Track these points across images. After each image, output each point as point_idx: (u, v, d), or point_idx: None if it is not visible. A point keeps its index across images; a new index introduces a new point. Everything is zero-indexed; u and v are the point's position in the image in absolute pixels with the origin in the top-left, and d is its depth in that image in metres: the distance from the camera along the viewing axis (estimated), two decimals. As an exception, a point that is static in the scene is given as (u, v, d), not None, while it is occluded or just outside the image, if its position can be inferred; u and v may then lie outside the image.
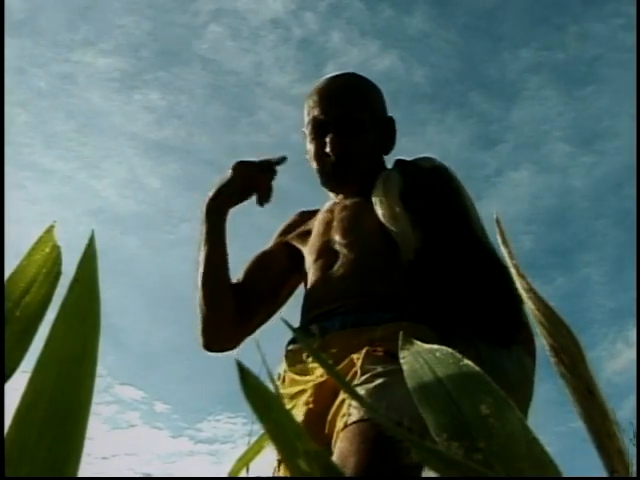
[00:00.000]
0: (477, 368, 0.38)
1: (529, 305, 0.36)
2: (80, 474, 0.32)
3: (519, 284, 0.37)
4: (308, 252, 1.46)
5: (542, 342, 0.36)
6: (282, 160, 1.46)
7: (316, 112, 1.45)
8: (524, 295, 0.37)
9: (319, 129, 1.45)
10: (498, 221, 0.39)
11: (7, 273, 0.40)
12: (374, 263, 1.33)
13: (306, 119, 1.49)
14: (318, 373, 1.21)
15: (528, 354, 1.25)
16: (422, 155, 1.45)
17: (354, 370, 1.14)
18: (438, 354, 0.41)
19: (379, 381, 1.08)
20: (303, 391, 1.22)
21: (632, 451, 0.30)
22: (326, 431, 1.11)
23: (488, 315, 1.23)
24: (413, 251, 1.28)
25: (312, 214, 1.57)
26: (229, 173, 1.43)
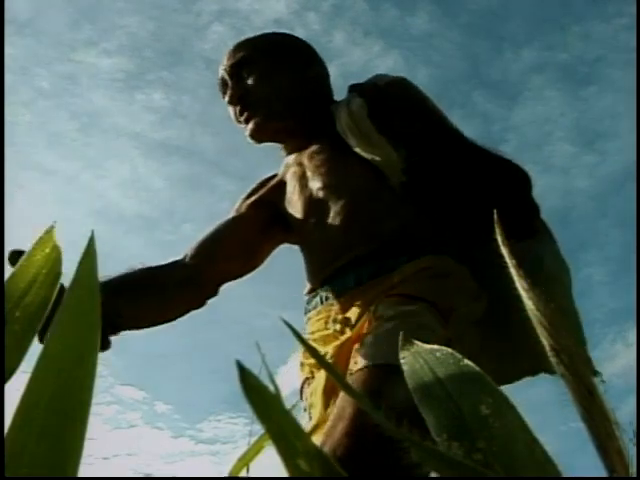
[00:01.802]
0: (477, 368, 0.38)
1: (529, 305, 0.36)
2: (80, 474, 0.32)
3: (519, 284, 0.37)
4: (293, 212, 1.35)
5: (542, 342, 0.36)
6: None
7: (218, 78, 1.40)
8: (524, 295, 0.37)
9: (222, 90, 1.40)
10: (498, 221, 0.39)
11: (7, 273, 0.40)
12: (369, 202, 1.23)
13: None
14: (343, 338, 1.13)
15: (551, 239, 1.21)
16: (375, 74, 1.34)
17: (369, 319, 1.08)
18: (438, 354, 0.41)
19: (389, 325, 1.02)
20: (325, 354, 1.16)
21: (632, 451, 0.30)
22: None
23: (504, 210, 1.16)
24: (402, 172, 1.19)
25: (272, 177, 1.47)
26: None
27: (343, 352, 1.10)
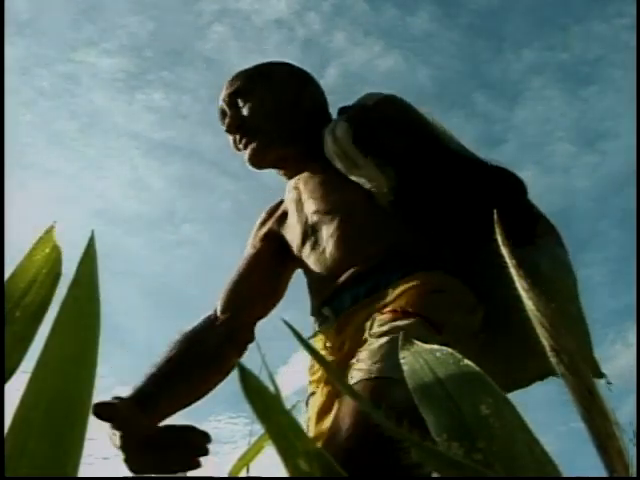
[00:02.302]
0: (477, 368, 0.38)
1: (529, 306, 0.36)
2: (81, 474, 0.32)
3: (519, 284, 0.37)
4: (291, 236, 1.39)
5: (542, 342, 0.36)
6: None
7: (218, 109, 1.45)
8: (524, 295, 0.37)
9: (222, 119, 1.44)
10: (498, 221, 0.39)
11: (7, 273, 0.40)
12: (361, 222, 1.25)
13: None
14: (336, 358, 1.16)
15: (556, 244, 1.21)
16: (365, 93, 1.36)
17: (364, 338, 1.10)
18: (438, 354, 0.41)
19: (382, 341, 1.03)
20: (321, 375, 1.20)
21: (632, 451, 0.30)
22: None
23: (500, 217, 1.16)
24: (389, 192, 1.21)
25: (279, 203, 1.51)
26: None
27: (341, 364, 1.12)
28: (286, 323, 0.38)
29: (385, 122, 1.27)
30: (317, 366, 1.25)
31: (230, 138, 1.44)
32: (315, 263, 1.31)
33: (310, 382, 1.27)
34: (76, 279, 0.36)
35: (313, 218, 1.33)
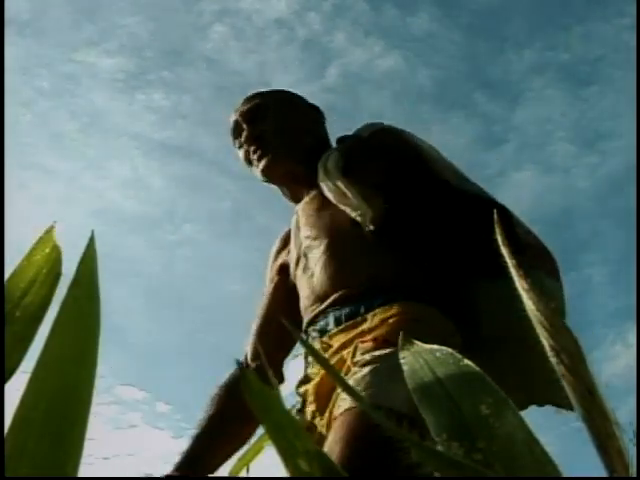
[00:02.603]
0: (477, 368, 0.38)
1: (529, 306, 0.36)
2: (81, 474, 0.32)
3: (519, 284, 0.37)
4: (290, 260, 1.46)
5: (542, 342, 0.36)
6: None
7: (230, 125, 1.53)
8: (524, 295, 0.37)
9: (235, 135, 1.52)
10: (498, 221, 0.39)
11: (7, 273, 0.40)
12: (346, 249, 1.31)
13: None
14: (318, 378, 1.21)
15: (547, 274, 1.23)
16: (365, 123, 1.44)
17: (346, 366, 1.13)
18: (438, 354, 0.41)
19: (365, 370, 1.07)
20: (307, 391, 1.23)
21: (632, 451, 0.30)
22: (325, 429, 1.12)
23: (479, 248, 1.18)
24: (373, 221, 1.25)
25: (290, 230, 1.58)
26: None
27: (322, 391, 1.18)
28: (286, 324, 0.38)
29: (377, 153, 1.33)
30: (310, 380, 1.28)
31: (242, 151, 1.50)
32: (304, 286, 1.37)
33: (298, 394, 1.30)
34: (76, 279, 0.36)
35: (305, 242, 1.40)
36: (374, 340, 1.13)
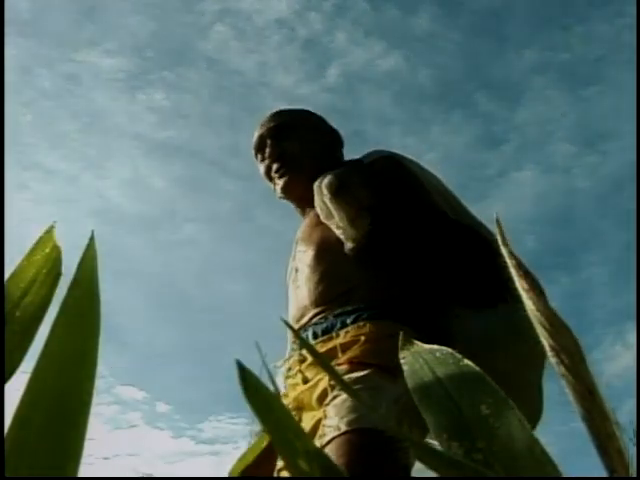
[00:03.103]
0: (477, 368, 0.38)
1: (529, 306, 0.36)
2: (81, 474, 0.32)
3: (519, 284, 0.37)
4: (287, 279, 1.52)
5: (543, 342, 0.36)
6: None
7: (254, 139, 1.58)
8: (524, 296, 0.37)
9: (259, 149, 1.57)
10: (498, 221, 0.39)
11: (7, 273, 0.40)
12: (329, 264, 1.36)
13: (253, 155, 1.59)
14: (299, 389, 1.25)
15: (523, 309, 1.25)
16: (373, 150, 1.48)
17: (321, 390, 1.18)
18: (438, 354, 0.41)
19: (344, 395, 1.11)
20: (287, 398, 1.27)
21: (632, 451, 0.30)
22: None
23: (462, 278, 1.24)
24: (354, 240, 1.29)
25: None
26: None
27: (301, 402, 1.23)
28: (286, 323, 0.38)
29: (374, 179, 1.37)
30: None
31: (263, 165, 1.55)
32: (292, 297, 1.44)
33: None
34: (76, 279, 0.36)
35: (298, 255, 1.47)
36: (349, 363, 1.18)
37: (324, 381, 1.19)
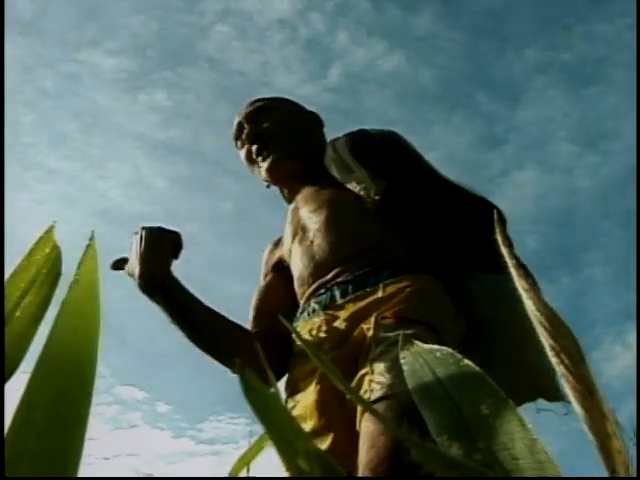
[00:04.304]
0: (477, 368, 0.38)
1: (529, 306, 0.36)
2: (81, 474, 0.32)
3: (519, 284, 0.37)
4: (286, 242, 1.47)
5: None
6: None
7: (233, 128, 1.57)
8: (524, 295, 0.37)
9: (238, 135, 1.55)
10: (498, 221, 0.39)
11: (7, 273, 0.40)
12: (348, 221, 1.32)
13: (233, 143, 1.58)
14: (326, 347, 1.17)
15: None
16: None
17: (367, 342, 1.11)
18: (438, 354, 0.41)
19: (396, 351, 1.06)
20: (315, 370, 1.18)
21: (632, 451, 0.30)
22: (343, 410, 1.09)
23: (479, 243, 1.22)
24: (376, 195, 1.27)
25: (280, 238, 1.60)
26: (142, 243, 1.34)
27: (340, 364, 1.11)
28: (286, 323, 0.38)
29: (383, 144, 1.36)
30: (297, 358, 1.26)
31: (244, 150, 1.53)
32: (302, 255, 1.35)
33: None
34: (76, 279, 0.36)
35: (304, 217, 1.41)
36: (396, 318, 1.12)
37: (368, 337, 1.11)
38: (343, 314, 1.19)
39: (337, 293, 1.24)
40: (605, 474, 0.30)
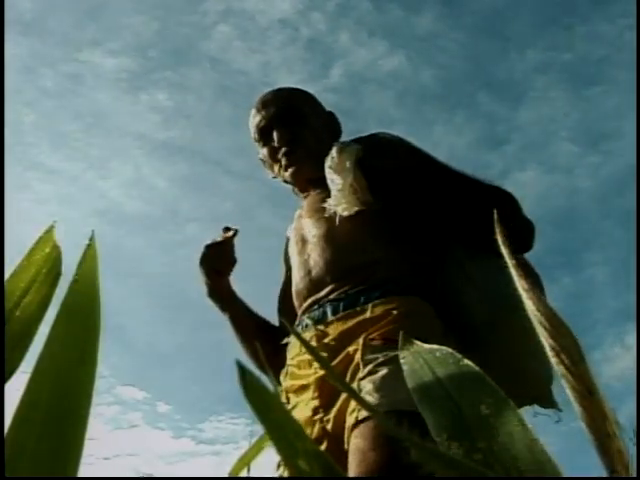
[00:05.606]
0: (477, 368, 0.38)
1: (529, 306, 0.36)
2: (81, 474, 0.32)
3: (519, 284, 0.37)
4: (290, 250, 1.48)
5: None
6: (236, 233, 1.48)
7: (257, 120, 1.53)
8: (524, 295, 0.37)
9: (265, 134, 1.52)
10: (499, 221, 0.39)
11: (7, 273, 0.40)
12: (345, 238, 1.32)
13: (253, 134, 1.55)
14: (317, 365, 1.20)
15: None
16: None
17: (355, 363, 1.13)
18: (438, 354, 0.41)
19: (383, 371, 1.06)
20: (306, 386, 1.20)
21: (632, 451, 0.30)
22: (330, 426, 1.11)
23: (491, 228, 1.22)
24: (344, 211, 1.28)
25: None
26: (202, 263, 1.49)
27: (327, 386, 1.15)
28: (286, 323, 0.38)
29: (397, 142, 1.35)
30: (290, 372, 1.27)
31: (267, 148, 1.51)
32: (299, 267, 1.38)
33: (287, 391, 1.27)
34: (76, 279, 0.36)
35: (304, 228, 1.43)
36: (383, 338, 1.13)
37: (356, 358, 1.13)
38: (332, 332, 1.22)
39: (329, 310, 1.25)
40: (605, 474, 0.30)
